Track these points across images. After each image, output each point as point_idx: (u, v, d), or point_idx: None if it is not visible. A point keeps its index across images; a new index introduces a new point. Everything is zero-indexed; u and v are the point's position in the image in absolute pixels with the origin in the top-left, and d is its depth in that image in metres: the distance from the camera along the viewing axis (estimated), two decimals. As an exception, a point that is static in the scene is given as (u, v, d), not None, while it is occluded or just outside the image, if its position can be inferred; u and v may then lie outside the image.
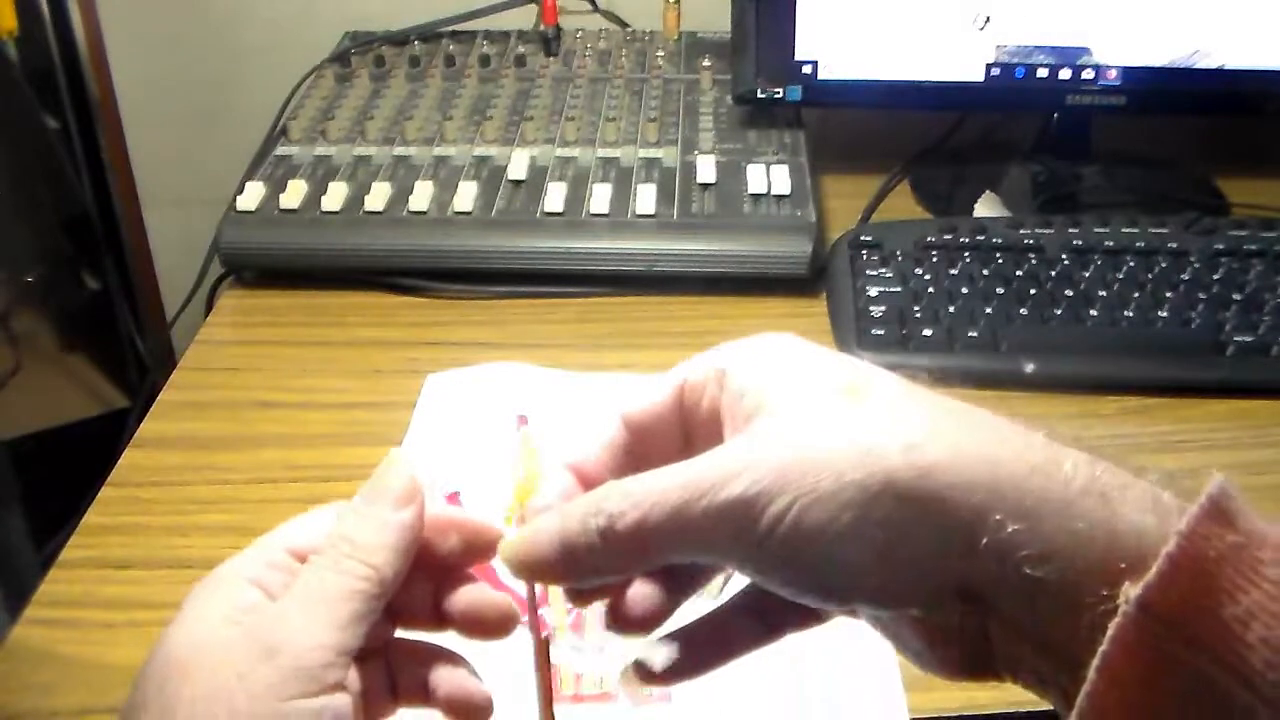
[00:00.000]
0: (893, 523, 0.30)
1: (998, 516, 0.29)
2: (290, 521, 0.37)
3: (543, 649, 0.37)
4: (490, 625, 0.37)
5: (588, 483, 0.36)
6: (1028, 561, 0.29)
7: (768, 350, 0.35)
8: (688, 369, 0.36)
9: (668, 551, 0.32)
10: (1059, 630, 0.29)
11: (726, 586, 0.39)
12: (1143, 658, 0.28)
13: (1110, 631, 0.28)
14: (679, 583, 0.36)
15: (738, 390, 0.34)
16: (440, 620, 0.37)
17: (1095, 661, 0.28)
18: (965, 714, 0.54)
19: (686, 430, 0.37)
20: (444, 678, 0.37)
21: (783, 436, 0.32)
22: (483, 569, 0.38)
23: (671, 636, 0.37)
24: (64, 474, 0.89)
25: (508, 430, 0.41)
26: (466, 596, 0.37)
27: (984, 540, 0.29)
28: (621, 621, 0.35)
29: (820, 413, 0.32)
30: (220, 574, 0.35)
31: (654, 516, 0.32)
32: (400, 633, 0.37)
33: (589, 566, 0.33)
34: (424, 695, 0.37)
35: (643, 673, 0.36)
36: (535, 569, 0.34)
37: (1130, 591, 0.28)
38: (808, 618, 0.36)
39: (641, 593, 0.35)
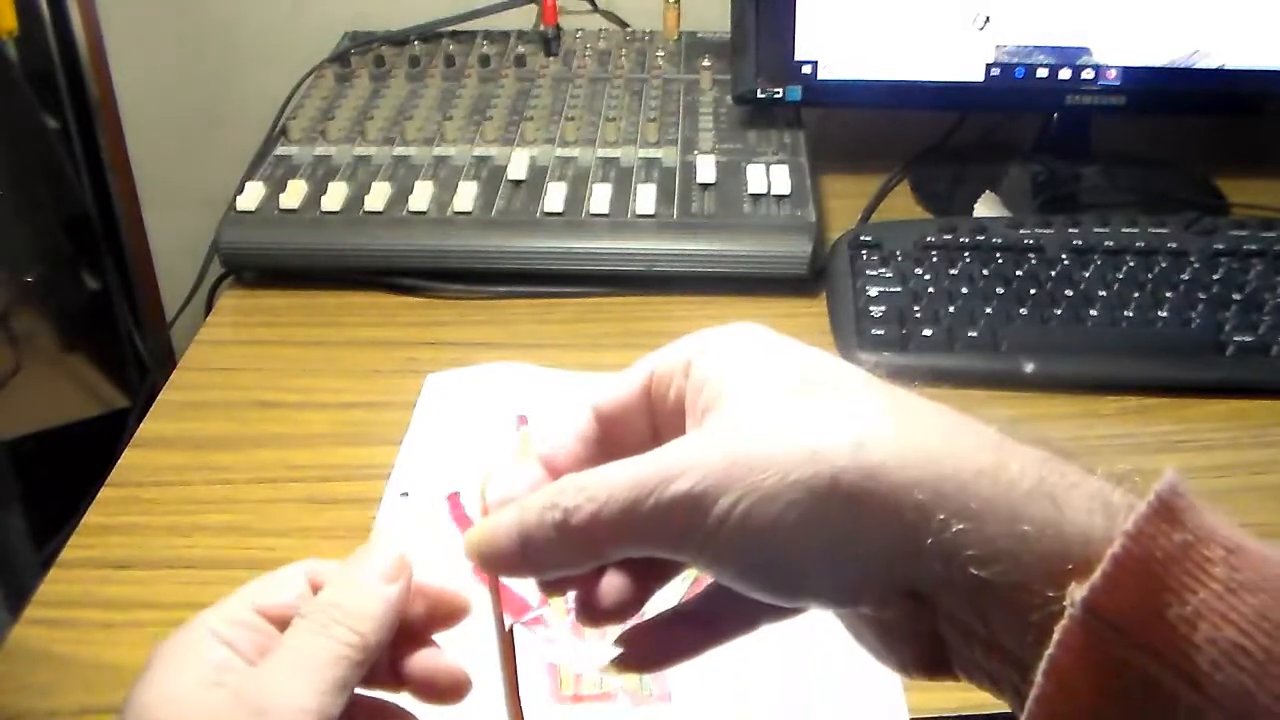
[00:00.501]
0: (838, 522, 0.30)
1: (942, 516, 0.29)
2: (257, 580, 0.37)
3: (508, 642, 0.37)
4: (443, 690, 0.37)
5: (558, 474, 0.36)
6: (973, 562, 0.29)
7: (732, 341, 0.35)
8: (656, 360, 0.36)
9: (622, 545, 0.33)
10: (1007, 631, 0.29)
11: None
12: (1089, 660, 0.27)
13: (1056, 634, 0.28)
14: (650, 574, 0.36)
15: (699, 382, 0.34)
16: (398, 681, 0.38)
17: (1042, 664, 0.28)
18: (965, 714, 0.54)
19: (655, 421, 0.37)
20: None
21: (732, 432, 0.32)
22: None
23: (644, 625, 0.37)
24: (64, 474, 0.89)
25: (508, 430, 0.41)
26: (423, 661, 0.38)
27: (929, 540, 0.29)
28: (592, 613, 0.35)
29: (770, 408, 0.32)
30: (188, 630, 0.35)
31: (607, 511, 0.32)
32: (359, 690, 0.37)
33: (548, 560, 0.34)
34: None
35: (619, 663, 0.37)
36: (495, 562, 0.34)
37: (1076, 593, 0.28)
38: (779, 610, 0.36)
39: (612, 584, 0.35)
